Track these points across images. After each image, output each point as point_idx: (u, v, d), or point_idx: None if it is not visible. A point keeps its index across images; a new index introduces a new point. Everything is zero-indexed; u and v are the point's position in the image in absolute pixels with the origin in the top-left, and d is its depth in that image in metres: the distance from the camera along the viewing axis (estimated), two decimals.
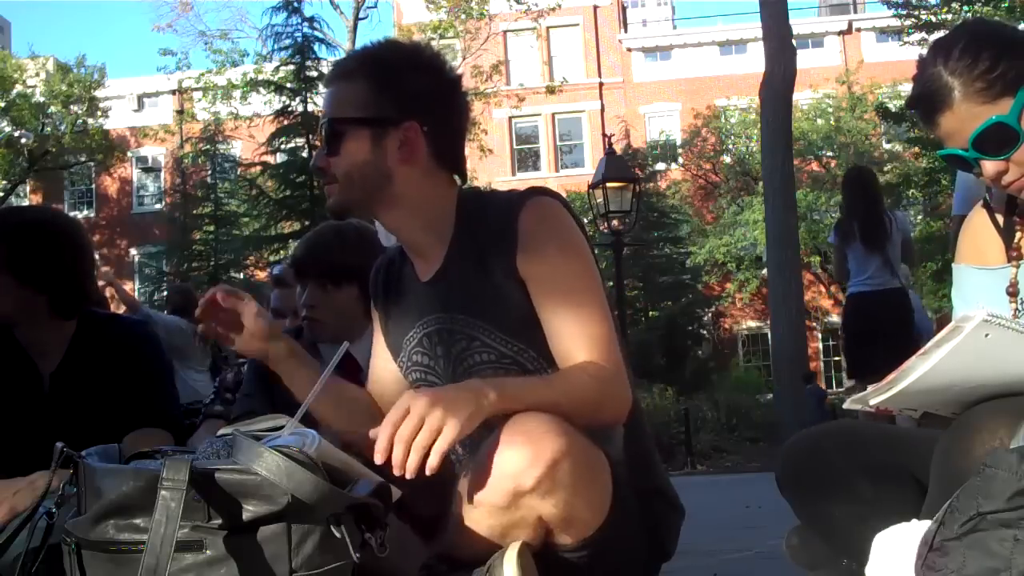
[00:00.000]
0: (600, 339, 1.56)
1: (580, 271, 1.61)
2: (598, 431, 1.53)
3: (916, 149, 19.22)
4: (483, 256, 1.63)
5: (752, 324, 25.75)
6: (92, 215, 28.52)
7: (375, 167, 1.65)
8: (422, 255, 1.73)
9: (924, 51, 1.60)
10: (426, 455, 1.32)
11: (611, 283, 14.45)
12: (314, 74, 16.87)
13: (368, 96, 1.65)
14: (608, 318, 1.61)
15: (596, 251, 1.55)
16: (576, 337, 1.56)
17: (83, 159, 27.71)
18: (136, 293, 21.57)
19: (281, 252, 16.28)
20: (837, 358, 25.45)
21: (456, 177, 1.74)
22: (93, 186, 29.09)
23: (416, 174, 1.66)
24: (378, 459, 1.34)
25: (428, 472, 1.32)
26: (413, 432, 1.33)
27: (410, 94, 1.66)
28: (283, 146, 17.09)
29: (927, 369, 1.40)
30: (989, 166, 1.52)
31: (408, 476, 1.32)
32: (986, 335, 1.33)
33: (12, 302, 2.09)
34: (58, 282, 2.12)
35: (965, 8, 15.95)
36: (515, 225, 1.61)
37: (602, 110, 27.77)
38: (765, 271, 16.63)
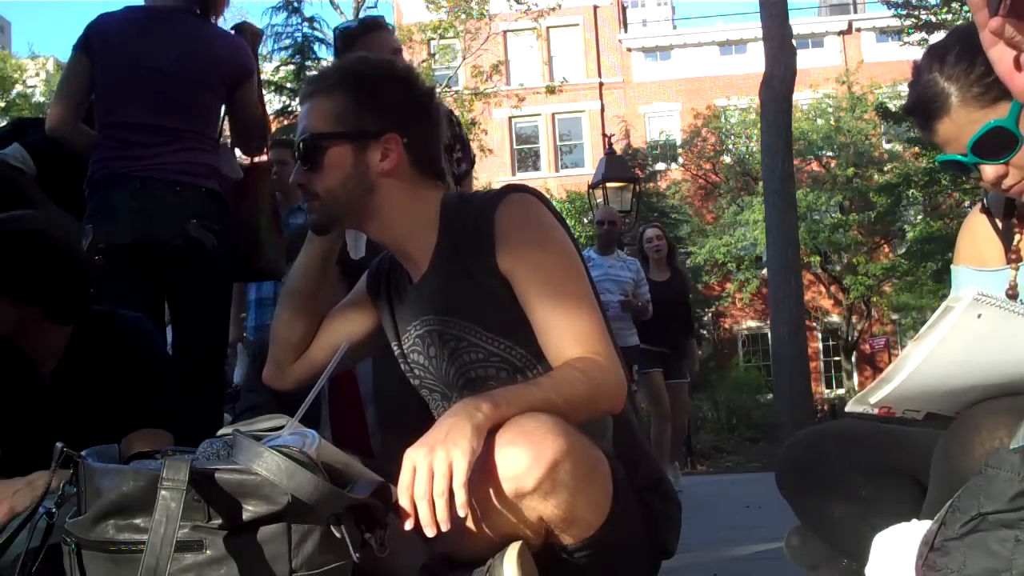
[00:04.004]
0: (587, 331, 1.56)
1: (561, 265, 1.62)
2: (591, 426, 1.53)
3: (916, 149, 19.20)
4: (465, 257, 1.65)
5: (752, 324, 25.75)
6: None
7: (358, 180, 1.66)
8: (411, 260, 1.74)
9: (919, 57, 1.60)
10: (451, 495, 1.31)
11: None
12: (315, 73, 16.86)
13: (349, 109, 1.66)
14: (594, 309, 1.61)
15: None
16: (563, 331, 1.56)
17: None
18: None
19: None
20: (837, 358, 25.46)
21: (439, 182, 1.75)
22: None
23: (397, 184, 1.68)
24: (408, 527, 1.33)
25: (461, 511, 1.31)
26: (427, 484, 1.32)
27: (389, 106, 1.67)
28: None
29: (924, 356, 1.39)
30: (989, 170, 1.52)
31: (444, 527, 1.31)
32: (978, 315, 1.34)
33: (4, 322, 2.07)
34: (49, 293, 2.07)
35: (965, 8, 15.93)
36: (492, 225, 1.62)
37: (602, 110, 27.76)
38: (765, 271, 16.62)
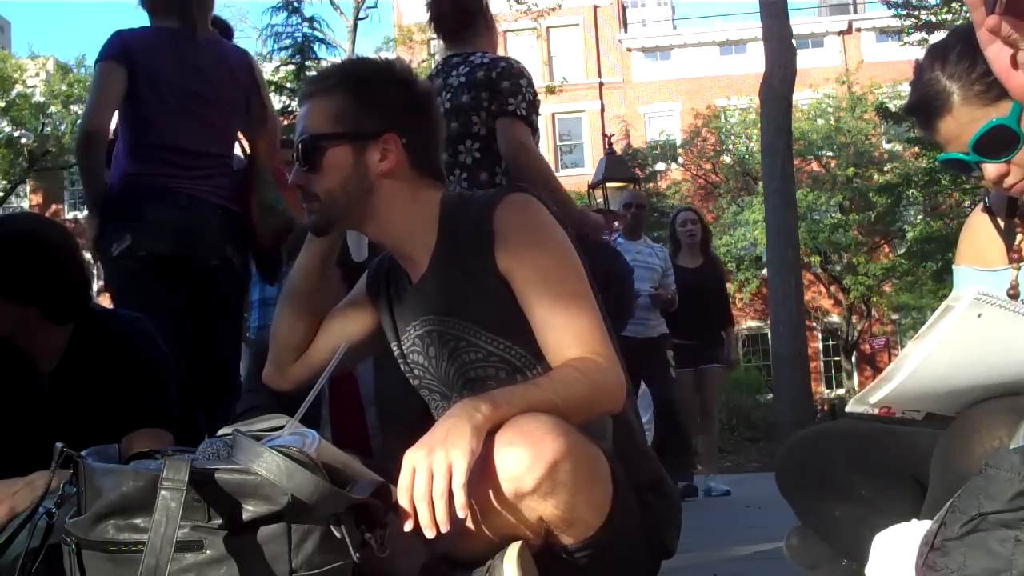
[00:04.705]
0: (586, 331, 1.56)
1: (560, 265, 1.62)
2: (591, 426, 1.53)
3: (916, 149, 19.18)
4: (464, 257, 1.65)
5: (752, 324, 25.74)
6: None
7: (357, 181, 1.66)
8: (410, 260, 1.74)
9: (920, 57, 1.60)
10: (450, 497, 1.31)
11: None
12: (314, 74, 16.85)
13: (348, 110, 1.66)
14: (594, 309, 1.61)
15: None
16: (562, 331, 1.56)
17: None
18: None
19: None
20: (837, 358, 25.46)
21: (439, 182, 1.75)
22: None
23: (396, 185, 1.68)
24: (407, 528, 1.33)
25: (460, 512, 1.31)
26: (427, 486, 1.31)
27: (388, 106, 1.68)
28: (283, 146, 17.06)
29: (925, 356, 1.39)
30: (990, 169, 1.52)
31: (444, 528, 1.31)
32: (979, 315, 1.34)
33: (3, 322, 2.07)
34: (46, 293, 2.07)
35: (965, 8, 15.90)
36: (491, 225, 1.62)
37: (602, 110, 27.75)
38: (765, 271, 16.61)
